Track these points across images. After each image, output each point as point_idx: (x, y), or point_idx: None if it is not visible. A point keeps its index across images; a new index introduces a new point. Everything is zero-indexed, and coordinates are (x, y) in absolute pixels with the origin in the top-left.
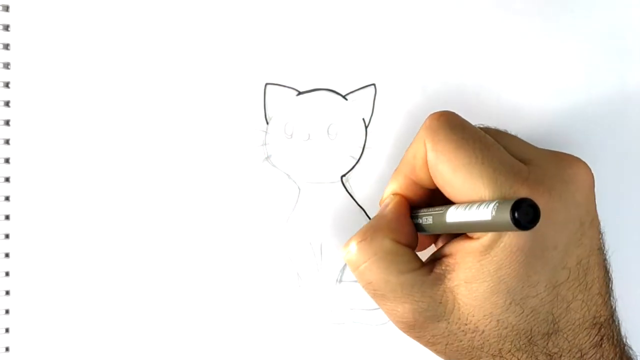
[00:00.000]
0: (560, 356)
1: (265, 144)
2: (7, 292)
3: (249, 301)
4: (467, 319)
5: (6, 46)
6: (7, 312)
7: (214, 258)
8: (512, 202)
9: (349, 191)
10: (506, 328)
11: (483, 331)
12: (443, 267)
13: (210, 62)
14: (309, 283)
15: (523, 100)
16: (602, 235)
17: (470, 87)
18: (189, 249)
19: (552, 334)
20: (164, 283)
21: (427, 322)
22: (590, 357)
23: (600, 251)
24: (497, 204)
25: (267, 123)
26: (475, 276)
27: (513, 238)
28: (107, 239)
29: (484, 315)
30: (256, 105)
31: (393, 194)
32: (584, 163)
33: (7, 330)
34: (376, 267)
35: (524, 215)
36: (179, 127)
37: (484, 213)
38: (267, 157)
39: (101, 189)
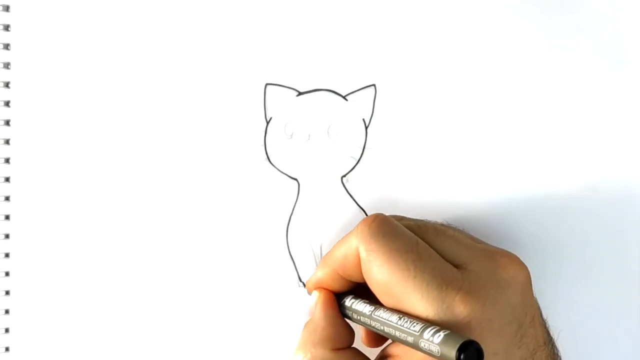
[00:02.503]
0: None
1: (265, 144)
2: (7, 292)
3: (249, 301)
4: None
5: (6, 46)
6: (7, 312)
7: (213, 258)
8: (458, 344)
9: (349, 192)
10: None
11: None
12: None
13: (210, 62)
14: None
15: (524, 98)
16: (546, 326)
17: (469, 87)
18: (189, 249)
19: None
20: (164, 283)
21: None
22: None
23: (547, 344)
24: (441, 341)
25: (267, 123)
26: None
27: None
28: (107, 240)
29: None
30: (256, 105)
31: (318, 290)
32: (519, 261)
33: (7, 330)
34: None
35: (470, 358)
36: (179, 127)
37: (431, 348)
38: (267, 157)
39: (101, 189)
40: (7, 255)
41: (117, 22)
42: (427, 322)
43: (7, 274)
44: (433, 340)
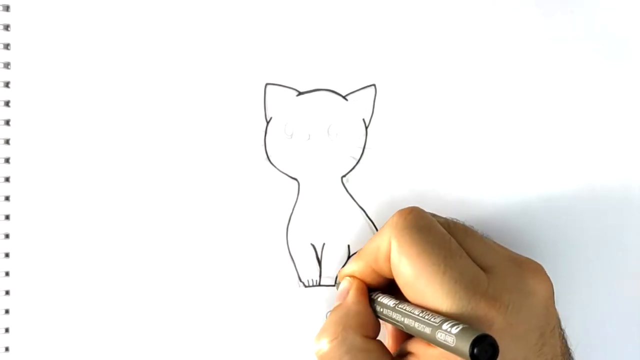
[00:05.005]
0: None
1: (265, 144)
2: (7, 292)
3: (249, 301)
4: None
5: (6, 46)
6: (7, 312)
7: (213, 258)
8: (473, 337)
9: (349, 192)
10: None
11: None
12: None
13: (211, 62)
14: (309, 283)
15: (524, 98)
16: (564, 337)
17: (470, 87)
18: (189, 249)
19: None
20: (164, 283)
21: None
22: None
23: (564, 355)
24: (458, 332)
25: (267, 123)
26: None
27: None
28: (107, 240)
29: None
30: (256, 105)
31: (351, 277)
32: (544, 272)
33: (7, 330)
34: None
35: (484, 352)
36: (179, 127)
37: (447, 338)
38: (267, 157)
39: (101, 188)
40: (7, 255)
41: (117, 22)
42: (449, 318)
43: (7, 274)
44: (450, 331)
